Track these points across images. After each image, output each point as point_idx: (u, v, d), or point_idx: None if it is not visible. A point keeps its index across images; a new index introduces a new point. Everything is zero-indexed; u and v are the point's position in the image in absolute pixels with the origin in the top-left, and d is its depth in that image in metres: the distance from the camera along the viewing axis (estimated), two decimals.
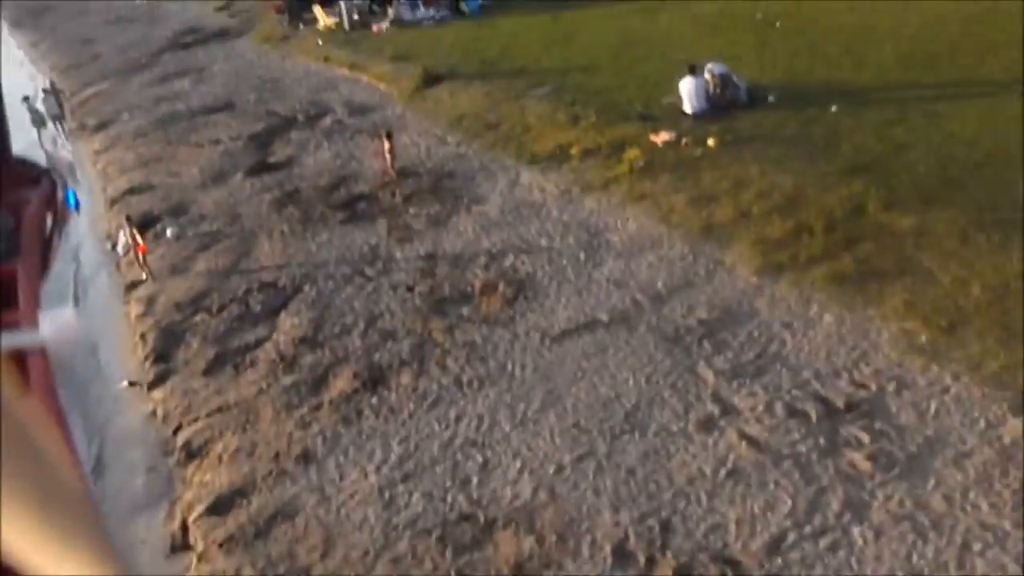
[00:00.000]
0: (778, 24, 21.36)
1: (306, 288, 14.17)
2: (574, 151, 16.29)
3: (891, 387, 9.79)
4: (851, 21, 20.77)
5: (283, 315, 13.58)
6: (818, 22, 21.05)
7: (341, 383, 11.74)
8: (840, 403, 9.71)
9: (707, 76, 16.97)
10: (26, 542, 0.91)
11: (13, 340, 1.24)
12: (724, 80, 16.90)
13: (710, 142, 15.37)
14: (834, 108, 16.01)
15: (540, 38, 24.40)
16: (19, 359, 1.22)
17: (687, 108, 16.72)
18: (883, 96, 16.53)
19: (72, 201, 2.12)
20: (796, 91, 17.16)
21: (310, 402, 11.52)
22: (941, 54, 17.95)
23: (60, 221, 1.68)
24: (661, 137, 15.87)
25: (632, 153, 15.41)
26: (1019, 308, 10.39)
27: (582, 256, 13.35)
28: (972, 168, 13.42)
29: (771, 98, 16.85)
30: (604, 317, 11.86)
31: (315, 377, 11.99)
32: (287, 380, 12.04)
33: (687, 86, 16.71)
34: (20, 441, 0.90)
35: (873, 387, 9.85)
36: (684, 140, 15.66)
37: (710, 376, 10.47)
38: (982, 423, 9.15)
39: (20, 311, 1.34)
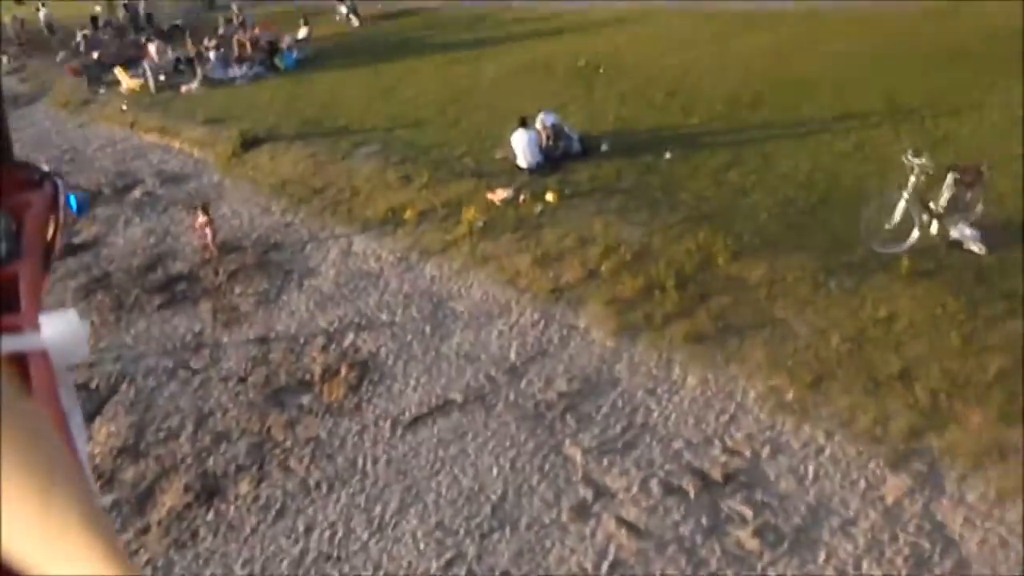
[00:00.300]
0: (601, 69, 21.28)
1: (123, 387, 12.68)
2: (408, 214, 15.44)
3: (766, 452, 9.36)
4: (673, 62, 20.92)
5: (97, 421, 12.05)
6: (641, 66, 21.10)
7: (170, 498, 10.40)
8: (717, 475, 9.20)
9: (539, 127, 16.52)
10: (28, 543, 0.90)
11: (14, 343, 1.24)
12: (556, 131, 16.50)
13: (549, 197, 14.85)
14: (668, 155, 15.83)
15: (362, 93, 23.52)
16: (20, 361, 1.22)
17: (521, 162, 16.20)
18: (714, 139, 16.51)
19: (73, 205, 2.04)
20: (628, 138, 16.96)
21: (135, 525, 10.11)
22: (763, 92, 18.20)
23: (61, 224, 1.68)
24: (498, 194, 15.26)
25: (470, 213, 14.70)
26: (879, 355, 10.21)
27: (427, 329, 12.50)
28: (811, 210, 13.40)
29: (604, 147, 16.56)
30: (458, 397, 11.02)
31: (139, 494, 10.58)
32: (106, 500, 10.59)
33: (519, 139, 16.20)
34: (21, 442, 0.90)
35: (748, 453, 9.40)
36: (522, 196, 15.10)
37: (578, 455, 9.78)
38: (862, 484, 8.81)
39: (22, 314, 1.35)
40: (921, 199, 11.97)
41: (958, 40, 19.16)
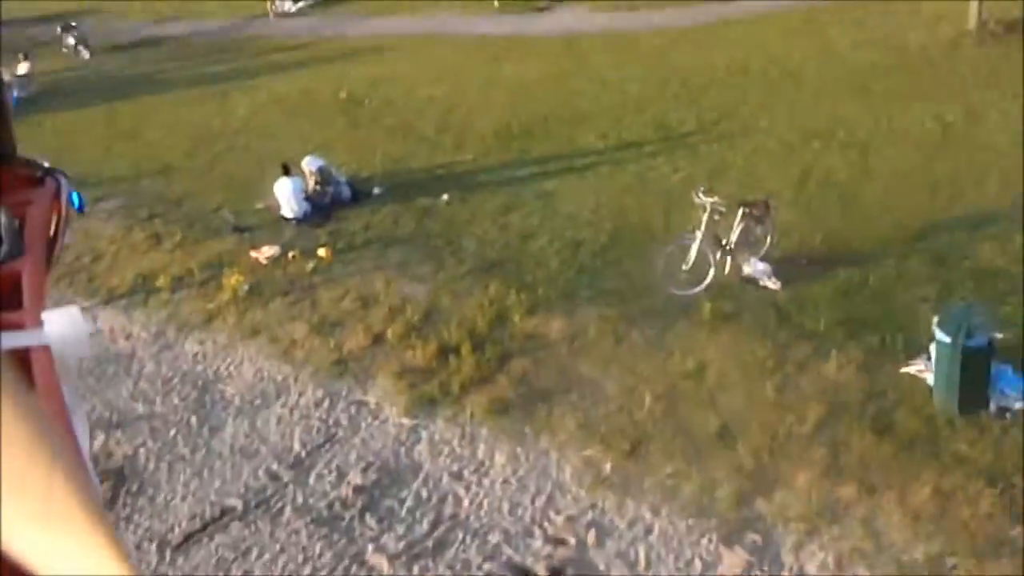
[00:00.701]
0: (367, 102, 20.04)
1: None
2: (162, 280, 13.56)
3: (591, 537, 8.50)
4: (439, 93, 19.99)
5: None
6: (407, 97, 20.03)
7: None
8: (542, 571, 8.25)
9: (304, 172, 15.11)
10: (30, 539, 0.90)
11: (17, 339, 1.24)
12: (324, 176, 15.13)
13: (322, 253, 13.48)
14: (445, 197, 14.81)
15: (98, 137, 21.00)
16: (23, 358, 1.22)
17: (287, 213, 14.71)
18: (491, 177, 15.70)
19: (76, 202, 1.95)
20: (401, 180, 15.83)
21: None
22: (536, 123, 17.59)
23: (64, 221, 1.68)
24: (264, 252, 13.71)
25: (233, 276, 13.06)
26: (695, 413, 9.64)
27: (194, 421, 10.84)
28: (601, 252, 12.79)
29: (377, 191, 15.35)
30: (237, 504, 9.49)
31: None
32: None
33: (283, 187, 14.70)
34: (23, 438, 0.90)
35: (572, 540, 8.51)
36: (291, 253, 13.64)
37: (384, 564, 8.55)
38: (698, 564, 8.13)
39: (24, 311, 1.34)
40: (715, 237, 11.60)
41: (720, 63, 19.36)
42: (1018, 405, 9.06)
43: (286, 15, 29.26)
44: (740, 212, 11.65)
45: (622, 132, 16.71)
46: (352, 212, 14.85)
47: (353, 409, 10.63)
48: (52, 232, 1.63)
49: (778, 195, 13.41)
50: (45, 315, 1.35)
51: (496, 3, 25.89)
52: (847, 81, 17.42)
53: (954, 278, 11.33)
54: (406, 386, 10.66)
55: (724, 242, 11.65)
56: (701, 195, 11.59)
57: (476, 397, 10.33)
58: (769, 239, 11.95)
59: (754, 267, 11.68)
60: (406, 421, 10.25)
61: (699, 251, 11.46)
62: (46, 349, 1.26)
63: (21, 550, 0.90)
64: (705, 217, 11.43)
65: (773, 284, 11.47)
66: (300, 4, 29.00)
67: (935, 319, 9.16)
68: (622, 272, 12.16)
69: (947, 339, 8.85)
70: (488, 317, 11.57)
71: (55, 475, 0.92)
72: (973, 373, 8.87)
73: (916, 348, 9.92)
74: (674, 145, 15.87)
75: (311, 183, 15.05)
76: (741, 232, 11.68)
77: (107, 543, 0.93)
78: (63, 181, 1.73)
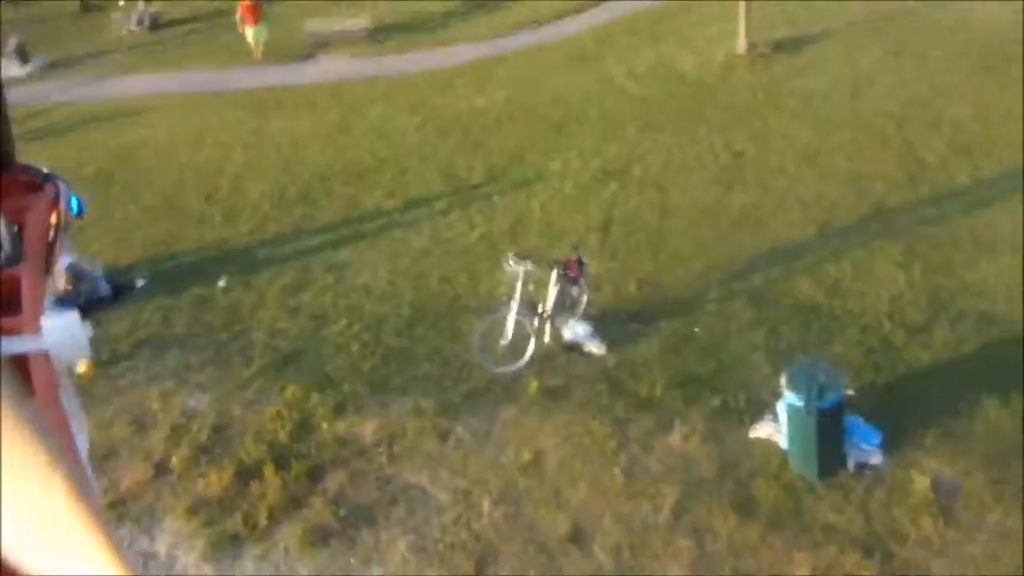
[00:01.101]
0: (117, 177, 17.86)
1: None
2: None
3: None
4: (203, 158, 18.02)
5: None
6: (166, 166, 17.97)
7: None
8: None
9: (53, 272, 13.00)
10: (29, 542, 0.91)
11: (16, 346, 1.25)
12: (75, 273, 13.01)
13: (80, 368, 11.48)
14: (222, 282, 13.05)
15: None
16: (22, 363, 1.23)
17: None
18: (273, 253, 14.08)
19: (75, 207, 1.91)
20: (168, 266, 13.94)
21: None
22: (314, 186, 16.09)
23: (63, 227, 1.67)
24: None
25: None
26: (542, 514, 8.59)
27: None
28: (407, 330, 11.54)
29: (140, 283, 13.40)
30: None
31: None
32: None
33: None
34: (23, 443, 0.91)
35: None
36: None
37: None
38: None
39: (23, 316, 1.35)
40: (530, 303, 10.64)
41: (500, 103, 18.59)
42: (875, 460, 8.57)
43: (13, 80, 26.26)
44: (554, 274, 10.74)
45: (409, 187, 15.52)
46: (113, 312, 12.81)
47: (139, 562, 8.86)
48: (51, 238, 1.64)
49: (584, 243, 12.69)
50: (44, 321, 1.38)
51: (259, 55, 24.12)
52: (632, 115, 17.04)
53: (778, 319, 10.88)
54: (202, 524, 8.99)
55: (540, 309, 10.71)
56: (512, 262, 10.61)
57: (288, 527, 8.83)
58: (585, 297, 11.13)
59: (575, 331, 10.81)
60: (207, 570, 8.62)
61: (516, 322, 10.46)
62: (45, 354, 1.30)
63: (20, 554, 0.90)
64: (519, 285, 10.44)
65: (597, 348, 10.63)
66: (28, 68, 26.04)
67: (782, 379, 8.54)
68: (433, 352, 10.98)
69: (799, 402, 8.23)
70: (289, 425, 10.07)
71: (54, 479, 0.92)
72: (829, 434, 8.30)
73: (759, 406, 9.32)
74: (466, 198, 14.85)
75: (60, 283, 12.94)
76: (557, 294, 10.77)
77: (105, 547, 0.92)
78: (62, 186, 1.72)
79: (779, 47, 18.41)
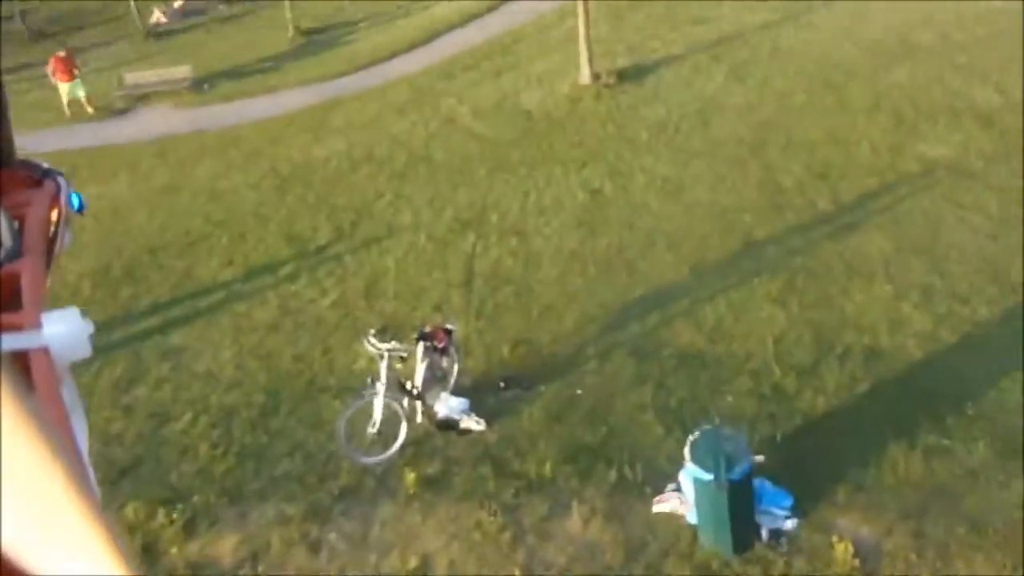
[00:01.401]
0: None
1: None
2: None
3: None
4: None
5: None
6: None
7: None
8: None
9: None
10: (29, 539, 0.87)
11: (17, 341, 1.25)
12: None
13: None
14: None
15: None
16: (22, 359, 1.22)
17: None
18: (98, 342, 12.09)
19: (75, 202, 1.96)
20: None
21: None
22: (141, 260, 14.50)
23: (63, 222, 1.67)
24: None
25: None
26: None
27: None
28: (261, 421, 10.34)
29: None
30: None
31: None
32: None
33: None
34: (22, 439, 0.85)
35: None
36: None
37: None
38: None
39: (24, 312, 1.35)
40: (398, 383, 9.62)
41: (339, 152, 17.45)
42: (789, 525, 7.95)
43: None
44: (420, 347, 9.77)
45: (248, 254, 14.20)
46: None
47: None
48: (51, 233, 1.65)
49: (447, 303, 11.81)
50: (44, 316, 1.37)
51: (67, 111, 22.14)
52: (481, 156, 16.23)
53: (663, 371, 10.24)
54: None
55: (409, 386, 9.71)
56: (373, 341, 9.56)
57: None
58: (456, 367, 10.21)
59: (449, 406, 9.86)
60: None
61: (383, 404, 9.41)
62: (45, 350, 1.29)
63: (21, 551, 0.88)
64: (384, 365, 9.41)
65: (476, 424, 9.72)
66: None
67: (685, 451, 7.81)
68: (294, 447, 9.80)
69: (706, 475, 7.52)
70: (133, 548, 8.70)
71: (54, 476, 0.89)
72: (741, 506, 7.64)
73: (658, 476, 8.59)
74: (314, 261, 13.66)
75: None
76: (426, 368, 9.80)
77: (107, 545, 0.91)
78: (62, 182, 1.75)
79: (623, 76, 17.99)
